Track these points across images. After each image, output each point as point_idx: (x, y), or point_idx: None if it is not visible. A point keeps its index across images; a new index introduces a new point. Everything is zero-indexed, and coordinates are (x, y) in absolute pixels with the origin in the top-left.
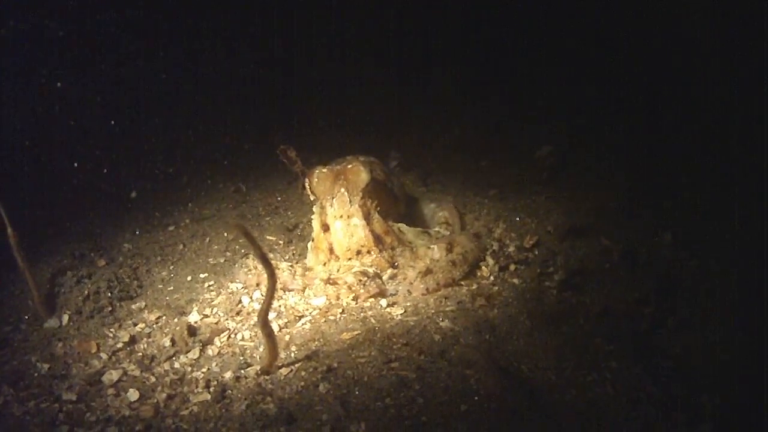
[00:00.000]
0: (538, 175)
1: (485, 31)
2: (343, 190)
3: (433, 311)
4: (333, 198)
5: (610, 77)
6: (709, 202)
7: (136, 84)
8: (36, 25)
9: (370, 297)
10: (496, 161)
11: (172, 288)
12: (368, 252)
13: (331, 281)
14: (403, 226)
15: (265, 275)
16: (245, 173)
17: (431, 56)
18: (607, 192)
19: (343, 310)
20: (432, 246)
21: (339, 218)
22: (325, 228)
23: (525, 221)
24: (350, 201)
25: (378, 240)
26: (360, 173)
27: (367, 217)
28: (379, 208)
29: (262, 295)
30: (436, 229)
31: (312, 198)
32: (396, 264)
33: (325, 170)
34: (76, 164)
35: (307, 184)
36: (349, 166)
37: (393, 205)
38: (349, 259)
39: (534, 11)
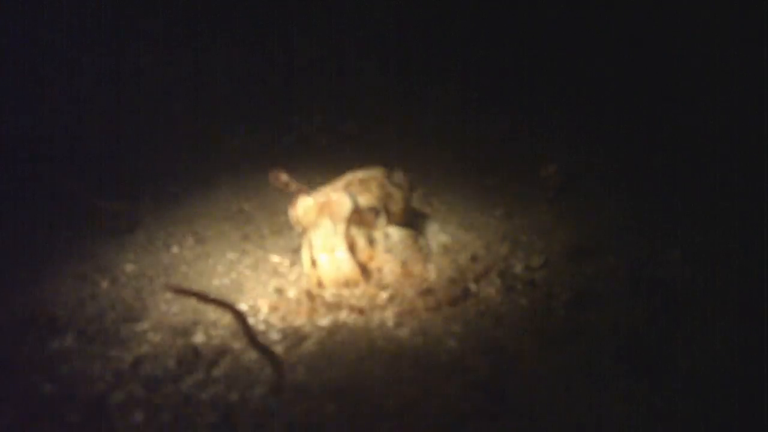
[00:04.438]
0: (544, 194)
1: (488, 45)
2: (327, 221)
3: (440, 331)
4: (317, 230)
5: (616, 93)
6: (718, 218)
7: (138, 101)
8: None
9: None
10: (502, 180)
11: (176, 309)
12: (356, 284)
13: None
14: (391, 230)
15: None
16: (248, 193)
17: (435, 70)
18: (613, 210)
19: (349, 331)
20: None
21: (323, 251)
22: (314, 262)
23: (532, 240)
24: (335, 232)
25: (364, 269)
26: (343, 203)
27: (352, 248)
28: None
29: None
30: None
31: (298, 229)
32: (387, 286)
33: (309, 200)
34: (76, 182)
35: (292, 214)
36: (334, 197)
37: (397, 210)
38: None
39: (539, 25)
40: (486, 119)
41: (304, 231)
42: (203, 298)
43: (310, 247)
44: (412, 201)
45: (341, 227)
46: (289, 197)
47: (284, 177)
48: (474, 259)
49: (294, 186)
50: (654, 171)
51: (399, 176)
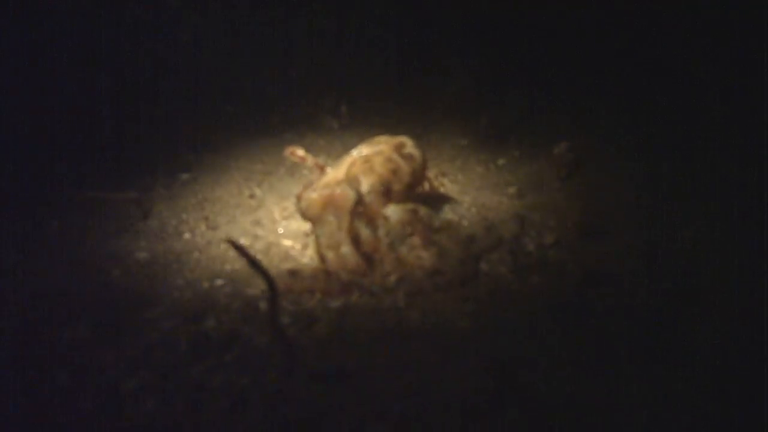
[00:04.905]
0: (556, 172)
1: (503, 24)
2: (331, 217)
3: (452, 312)
4: (323, 227)
5: (630, 70)
6: (732, 197)
7: (148, 86)
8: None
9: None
10: (514, 158)
11: (188, 296)
12: (363, 274)
13: None
14: (390, 211)
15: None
16: (260, 178)
17: (450, 49)
18: (626, 188)
19: (360, 313)
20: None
21: (329, 248)
22: (322, 258)
23: (544, 219)
24: (338, 227)
25: (369, 260)
26: (347, 197)
27: (357, 241)
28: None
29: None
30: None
31: (306, 222)
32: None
33: (314, 195)
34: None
35: (298, 207)
36: (338, 191)
37: (405, 182)
38: None
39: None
40: (499, 98)
41: (310, 223)
42: (252, 262)
43: (317, 243)
44: (425, 171)
45: (345, 222)
46: (301, 181)
47: (300, 152)
48: (484, 237)
49: (310, 160)
50: (667, 149)
51: (411, 146)
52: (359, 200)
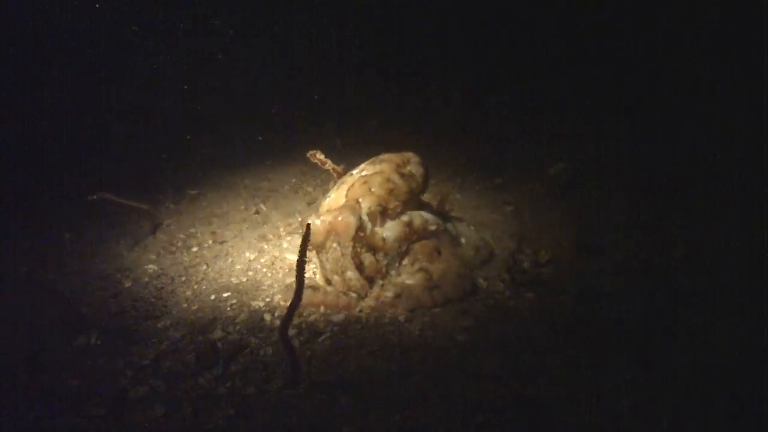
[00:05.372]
0: (552, 192)
1: (495, 43)
2: (335, 245)
3: (450, 326)
4: (327, 253)
5: (623, 92)
6: (721, 214)
7: (159, 104)
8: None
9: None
10: (510, 178)
11: (196, 307)
12: (366, 295)
13: None
14: (387, 232)
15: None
16: (265, 195)
17: (441, 70)
18: (620, 207)
19: (362, 326)
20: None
21: (335, 273)
22: (327, 281)
23: (540, 237)
24: (342, 254)
25: (372, 280)
26: (349, 224)
27: (360, 266)
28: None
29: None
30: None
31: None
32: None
33: (317, 222)
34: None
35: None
36: (339, 218)
37: (401, 200)
38: None
39: (545, 23)
40: (495, 119)
41: (313, 249)
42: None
43: (322, 268)
44: (425, 187)
45: (348, 249)
46: (305, 198)
47: (321, 155)
48: (482, 254)
49: (329, 165)
50: (659, 169)
51: (414, 163)
52: (360, 226)
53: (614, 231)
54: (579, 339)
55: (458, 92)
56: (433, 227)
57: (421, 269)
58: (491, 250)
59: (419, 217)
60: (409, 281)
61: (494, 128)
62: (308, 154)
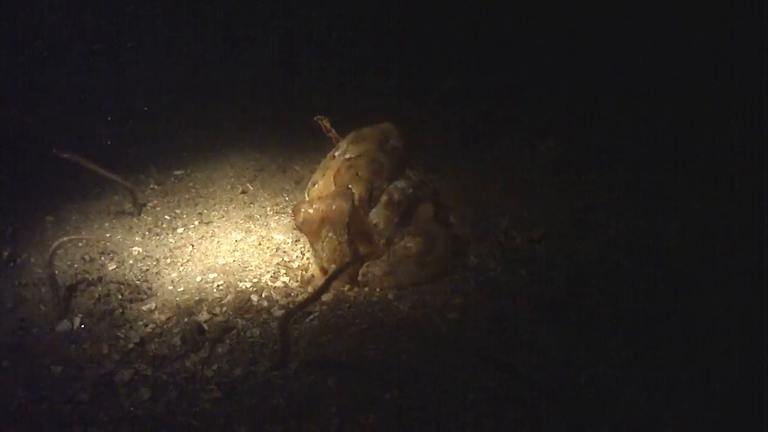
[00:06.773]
0: (543, 169)
1: (486, 26)
2: (331, 234)
3: (441, 303)
4: (323, 243)
5: (615, 67)
6: (716, 190)
7: (143, 85)
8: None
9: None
10: (502, 154)
11: (182, 289)
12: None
13: None
14: (375, 216)
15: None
16: (252, 174)
17: (433, 52)
18: (613, 183)
19: (350, 305)
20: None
21: (332, 261)
22: (323, 270)
23: (532, 214)
24: (338, 242)
25: (366, 258)
26: (342, 211)
27: (355, 252)
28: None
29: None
30: None
31: (301, 232)
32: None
33: (310, 211)
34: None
35: (295, 221)
36: (333, 207)
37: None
38: None
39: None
40: (487, 95)
41: (306, 236)
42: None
43: (318, 257)
44: (407, 159)
45: (344, 237)
46: (292, 177)
47: (327, 124)
48: (473, 230)
49: (333, 134)
50: (653, 144)
51: (395, 136)
52: (353, 213)
53: (608, 207)
54: (572, 317)
55: (450, 68)
56: (410, 191)
57: (410, 243)
58: (482, 226)
59: (396, 190)
60: (409, 244)
61: (486, 103)
62: (315, 118)
